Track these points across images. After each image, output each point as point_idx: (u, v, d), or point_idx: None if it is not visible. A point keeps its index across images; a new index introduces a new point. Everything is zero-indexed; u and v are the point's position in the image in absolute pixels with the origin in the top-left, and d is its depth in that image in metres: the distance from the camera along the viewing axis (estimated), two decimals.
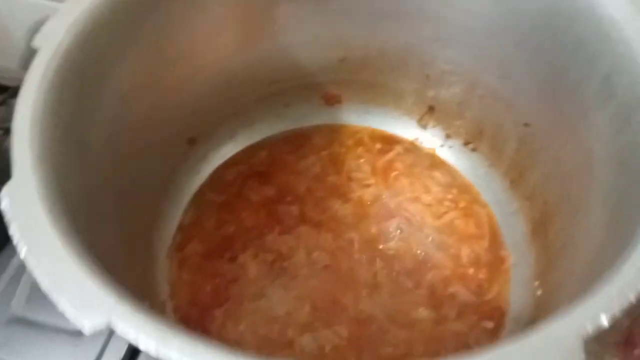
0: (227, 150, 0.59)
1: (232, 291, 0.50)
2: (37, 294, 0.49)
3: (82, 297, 0.23)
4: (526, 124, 0.47)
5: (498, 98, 0.49)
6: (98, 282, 0.24)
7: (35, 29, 0.34)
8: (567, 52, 0.39)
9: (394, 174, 0.57)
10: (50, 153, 0.30)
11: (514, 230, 0.51)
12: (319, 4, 0.50)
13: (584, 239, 0.37)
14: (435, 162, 0.58)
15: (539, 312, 0.42)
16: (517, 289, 0.47)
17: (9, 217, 0.25)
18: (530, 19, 0.41)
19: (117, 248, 0.40)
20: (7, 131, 0.59)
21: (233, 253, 0.52)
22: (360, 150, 0.60)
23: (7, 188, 0.27)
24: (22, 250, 0.24)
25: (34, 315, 0.49)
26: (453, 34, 0.49)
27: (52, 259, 0.24)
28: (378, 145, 0.60)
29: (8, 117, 0.32)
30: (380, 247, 0.52)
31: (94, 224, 0.35)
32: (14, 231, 0.25)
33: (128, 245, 0.44)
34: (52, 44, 0.34)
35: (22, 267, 0.51)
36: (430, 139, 0.58)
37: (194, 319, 0.48)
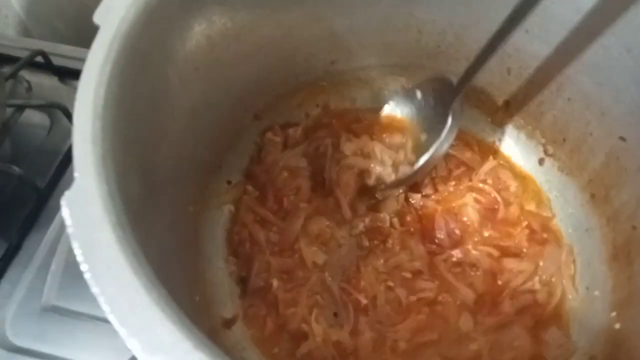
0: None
1: None
2: (69, 282, 0.47)
3: (155, 340, 0.20)
4: (622, 138, 0.42)
5: (590, 105, 0.44)
6: (172, 322, 0.21)
7: None
8: None
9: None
10: (113, 153, 0.26)
11: (588, 250, 0.47)
12: None
13: None
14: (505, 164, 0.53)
15: (617, 350, 0.39)
16: (588, 316, 0.44)
17: (70, 233, 0.23)
18: None
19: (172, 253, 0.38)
20: (19, 108, 0.57)
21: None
22: None
23: (68, 195, 0.24)
24: (86, 275, 0.22)
25: (68, 304, 0.46)
26: (547, 26, 0.43)
27: (120, 287, 0.21)
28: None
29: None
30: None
31: (152, 228, 0.32)
32: (76, 249, 0.22)
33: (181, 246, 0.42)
34: (113, 21, 0.30)
35: (49, 255, 0.48)
36: (502, 137, 0.54)
37: None
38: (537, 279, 0.46)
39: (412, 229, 0.48)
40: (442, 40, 0.50)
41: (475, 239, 0.49)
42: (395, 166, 0.50)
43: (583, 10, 0.40)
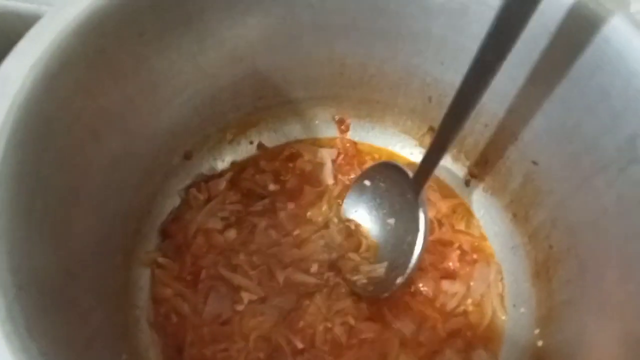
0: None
1: None
2: None
3: None
4: (534, 162, 0.44)
5: (504, 130, 0.46)
6: None
7: None
8: (588, 101, 0.36)
9: None
10: (9, 238, 0.26)
11: (514, 267, 0.49)
12: (314, 21, 0.45)
13: (597, 308, 0.35)
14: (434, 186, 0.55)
15: None
16: (516, 333, 0.46)
17: None
18: (549, 59, 0.38)
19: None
20: None
21: None
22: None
23: None
24: None
25: None
26: (460, 59, 0.45)
27: None
28: None
29: None
30: None
31: (72, 290, 0.32)
32: None
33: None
34: (8, 93, 0.29)
35: None
36: None
37: None
38: (469, 300, 0.48)
39: None
40: (364, 72, 0.51)
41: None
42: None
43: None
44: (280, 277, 0.47)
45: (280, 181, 0.54)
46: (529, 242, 0.47)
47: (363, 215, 0.51)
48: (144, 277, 0.46)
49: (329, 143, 0.57)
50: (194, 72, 0.45)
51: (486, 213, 0.52)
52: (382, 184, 0.50)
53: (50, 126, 0.32)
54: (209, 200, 0.52)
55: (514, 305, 0.47)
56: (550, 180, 0.43)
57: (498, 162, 0.49)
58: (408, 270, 0.45)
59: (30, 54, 0.31)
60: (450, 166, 0.54)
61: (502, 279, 0.49)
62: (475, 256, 0.50)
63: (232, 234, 0.50)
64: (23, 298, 0.24)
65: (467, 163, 0.53)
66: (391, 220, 0.50)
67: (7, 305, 0.23)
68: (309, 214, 0.52)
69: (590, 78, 0.35)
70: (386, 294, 0.46)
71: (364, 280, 0.48)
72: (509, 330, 0.46)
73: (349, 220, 0.51)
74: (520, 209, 0.48)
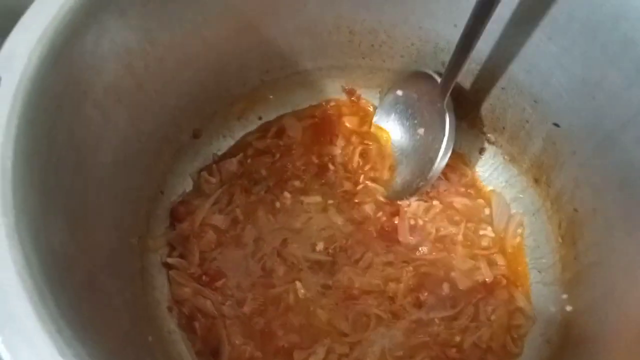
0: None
1: None
2: None
3: None
4: (555, 124, 0.43)
5: (523, 92, 0.45)
6: None
7: None
8: (611, 53, 0.34)
9: None
10: (28, 216, 0.25)
11: (537, 232, 0.48)
12: None
13: (626, 267, 0.34)
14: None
15: (569, 330, 0.40)
16: (542, 299, 0.45)
17: None
18: (567, 11, 0.36)
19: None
20: None
21: None
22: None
23: None
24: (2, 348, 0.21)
25: None
26: None
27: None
28: None
29: None
30: None
31: (86, 272, 0.31)
32: None
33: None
34: (16, 70, 0.28)
35: None
36: None
37: None
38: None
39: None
40: (374, 39, 0.50)
41: None
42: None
43: (505, 2, 0.40)
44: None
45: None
46: (551, 206, 0.46)
47: (394, 125, 0.52)
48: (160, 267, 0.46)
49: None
50: (198, 45, 0.44)
51: (505, 180, 0.51)
52: (414, 94, 0.50)
53: (59, 103, 0.31)
54: (221, 181, 0.51)
55: (539, 272, 0.46)
56: (572, 141, 0.42)
57: (516, 127, 0.48)
58: (430, 174, 0.47)
59: (35, 28, 0.30)
60: (466, 133, 0.53)
61: (522, 233, 0.48)
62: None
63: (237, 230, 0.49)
64: (46, 272, 0.24)
65: (484, 129, 0.51)
66: (421, 130, 0.50)
67: (33, 277, 0.22)
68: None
69: (613, 29, 0.33)
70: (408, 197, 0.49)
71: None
72: (535, 300, 0.45)
73: (380, 129, 0.53)
74: (540, 173, 0.47)
